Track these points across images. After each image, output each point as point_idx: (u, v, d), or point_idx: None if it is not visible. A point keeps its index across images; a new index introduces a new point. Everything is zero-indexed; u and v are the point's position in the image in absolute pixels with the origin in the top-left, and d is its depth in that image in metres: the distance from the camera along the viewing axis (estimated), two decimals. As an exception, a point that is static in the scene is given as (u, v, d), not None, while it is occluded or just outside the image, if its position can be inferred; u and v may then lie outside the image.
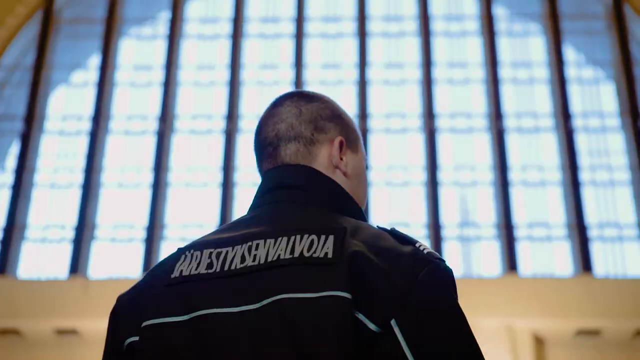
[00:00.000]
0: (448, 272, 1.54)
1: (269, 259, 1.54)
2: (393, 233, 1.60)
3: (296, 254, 1.53)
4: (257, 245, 1.58)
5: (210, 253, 1.61)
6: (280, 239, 1.57)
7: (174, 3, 15.34)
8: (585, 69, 15.03)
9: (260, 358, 1.46)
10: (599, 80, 14.92)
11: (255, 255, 1.56)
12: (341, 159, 1.78)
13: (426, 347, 1.44)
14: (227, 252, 1.60)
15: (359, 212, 1.76)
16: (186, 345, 1.53)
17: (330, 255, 1.51)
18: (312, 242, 1.55)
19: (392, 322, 1.45)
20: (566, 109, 14.23)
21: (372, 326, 1.45)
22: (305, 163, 1.75)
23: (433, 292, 1.50)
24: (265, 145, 1.79)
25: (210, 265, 1.59)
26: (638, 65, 14.78)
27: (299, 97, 1.83)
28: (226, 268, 1.57)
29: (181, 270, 1.62)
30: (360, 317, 1.45)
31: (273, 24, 15.39)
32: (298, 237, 1.57)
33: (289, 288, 1.49)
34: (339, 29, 15.29)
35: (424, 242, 1.62)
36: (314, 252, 1.53)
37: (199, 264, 1.61)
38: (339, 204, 1.72)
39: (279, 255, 1.54)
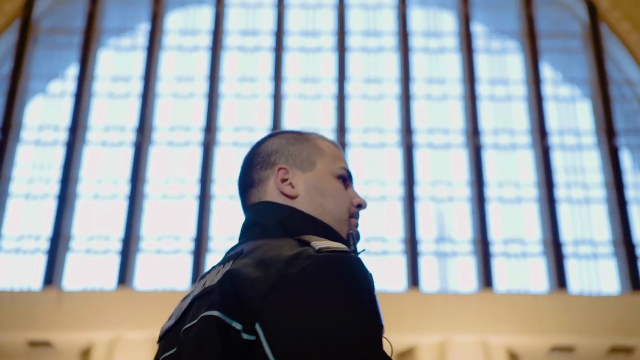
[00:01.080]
0: (335, 266, 1.58)
1: (192, 296, 1.74)
2: (301, 240, 1.70)
3: (203, 287, 1.71)
4: (196, 287, 1.78)
5: (179, 304, 1.84)
6: (206, 276, 1.76)
7: (153, 14, 15.32)
8: (561, 86, 15.16)
9: None
10: (576, 98, 15.05)
11: (190, 296, 1.78)
12: (290, 184, 1.91)
13: (286, 348, 1.46)
14: (183, 300, 1.83)
15: (313, 225, 1.84)
16: None
17: (218, 281, 1.64)
18: (217, 272, 1.70)
19: (257, 326, 1.50)
20: (543, 127, 14.33)
21: (245, 335, 1.52)
22: (259, 201, 1.92)
23: (300, 288, 1.53)
24: (238, 197, 2.01)
25: (170, 317, 1.83)
26: (614, 84, 14.93)
27: (255, 144, 2.02)
28: (177, 315, 1.78)
29: (162, 328, 1.86)
30: (237, 327, 1.53)
31: (252, 37, 15.40)
32: (214, 270, 1.74)
33: (188, 320, 1.67)
34: (318, 43, 15.33)
35: (333, 242, 1.67)
36: (213, 281, 1.67)
37: (169, 318, 1.84)
38: (290, 225, 1.82)
39: (195, 292, 1.74)
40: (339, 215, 1.93)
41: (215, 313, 1.57)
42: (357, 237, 1.96)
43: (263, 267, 1.59)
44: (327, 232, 1.84)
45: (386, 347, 1.60)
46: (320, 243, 1.64)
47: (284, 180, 1.92)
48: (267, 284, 1.54)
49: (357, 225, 1.98)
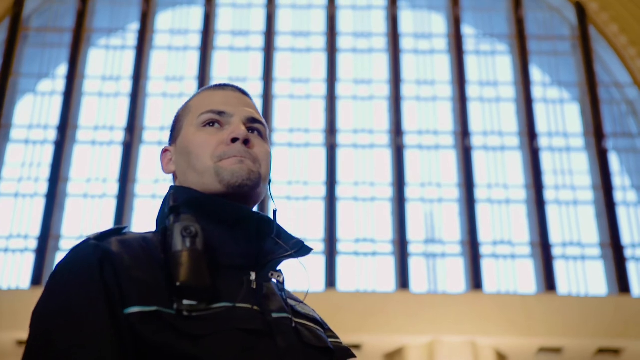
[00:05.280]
0: (54, 273, 1.57)
1: None
2: None
3: None
4: None
5: None
6: None
7: (143, 14, 15.30)
8: (550, 89, 15.22)
9: None
10: (564, 100, 15.12)
11: None
12: (172, 162, 1.81)
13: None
14: None
15: (173, 200, 1.70)
16: None
17: None
18: None
19: None
20: (532, 129, 14.39)
21: None
22: None
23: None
24: None
25: None
26: (602, 87, 15.01)
27: None
28: None
29: None
30: None
31: (242, 36, 15.40)
32: None
33: None
34: (309, 44, 15.35)
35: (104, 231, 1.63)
36: None
37: None
38: (164, 210, 1.72)
39: None
40: (202, 168, 1.73)
41: None
42: (234, 184, 1.70)
43: None
44: (189, 203, 1.69)
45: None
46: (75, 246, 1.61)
47: (169, 161, 1.83)
48: None
49: (240, 161, 1.72)
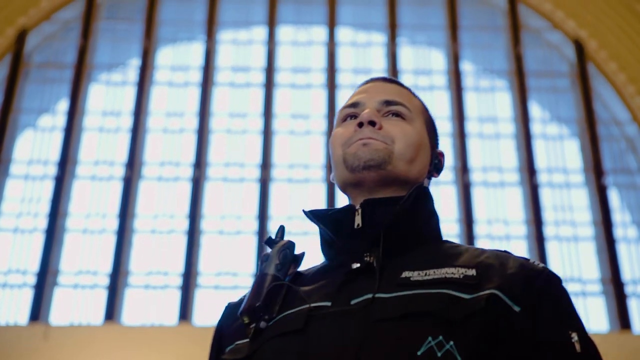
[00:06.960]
0: None
1: None
2: None
3: None
4: None
5: None
6: None
7: (144, 50, 15.37)
8: (550, 125, 15.25)
9: None
10: (564, 136, 15.14)
11: None
12: None
13: None
14: None
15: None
16: None
17: None
18: None
19: None
20: (531, 165, 14.40)
21: None
22: None
23: None
24: None
25: None
26: (602, 123, 15.04)
27: None
28: None
29: None
30: None
31: (243, 73, 15.47)
32: None
33: None
34: (309, 80, 15.41)
35: None
36: None
37: None
38: None
39: None
40: (336, 160, 1.78)
41: None
42: (357, 166, 1.71)
43: None
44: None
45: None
46: None
47: None
48: None
49: (363, 144, 1.73)
